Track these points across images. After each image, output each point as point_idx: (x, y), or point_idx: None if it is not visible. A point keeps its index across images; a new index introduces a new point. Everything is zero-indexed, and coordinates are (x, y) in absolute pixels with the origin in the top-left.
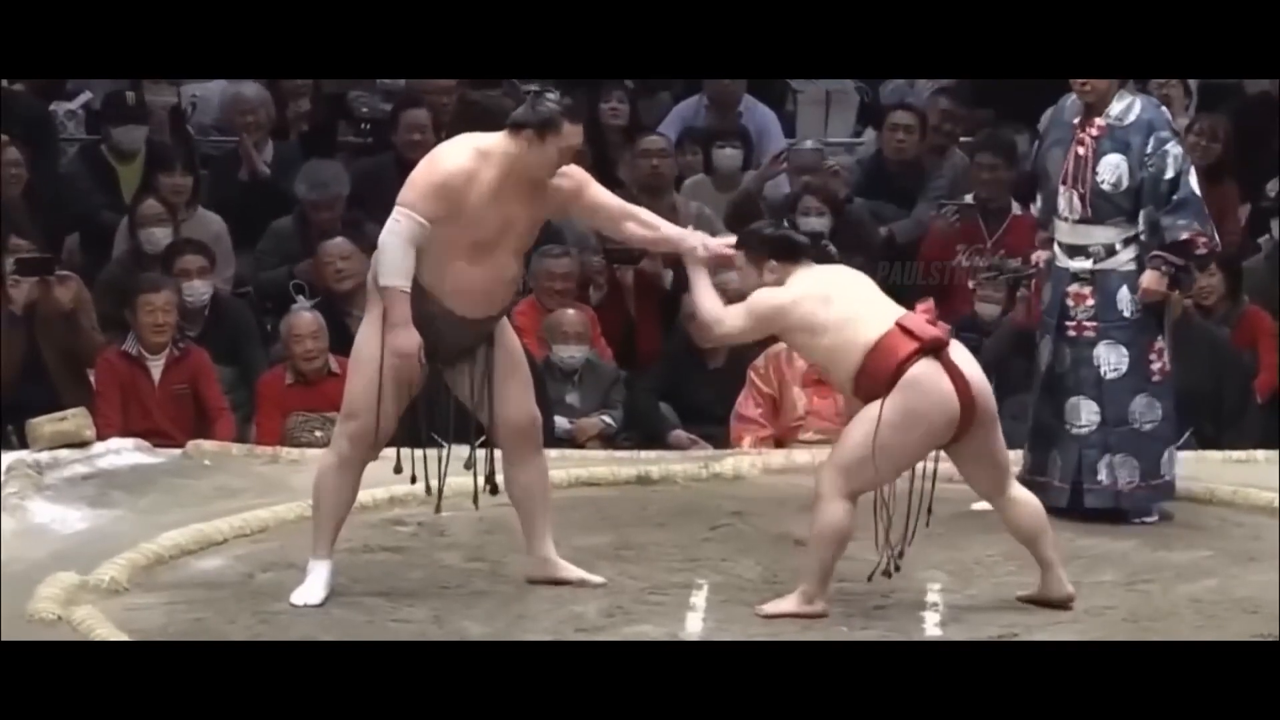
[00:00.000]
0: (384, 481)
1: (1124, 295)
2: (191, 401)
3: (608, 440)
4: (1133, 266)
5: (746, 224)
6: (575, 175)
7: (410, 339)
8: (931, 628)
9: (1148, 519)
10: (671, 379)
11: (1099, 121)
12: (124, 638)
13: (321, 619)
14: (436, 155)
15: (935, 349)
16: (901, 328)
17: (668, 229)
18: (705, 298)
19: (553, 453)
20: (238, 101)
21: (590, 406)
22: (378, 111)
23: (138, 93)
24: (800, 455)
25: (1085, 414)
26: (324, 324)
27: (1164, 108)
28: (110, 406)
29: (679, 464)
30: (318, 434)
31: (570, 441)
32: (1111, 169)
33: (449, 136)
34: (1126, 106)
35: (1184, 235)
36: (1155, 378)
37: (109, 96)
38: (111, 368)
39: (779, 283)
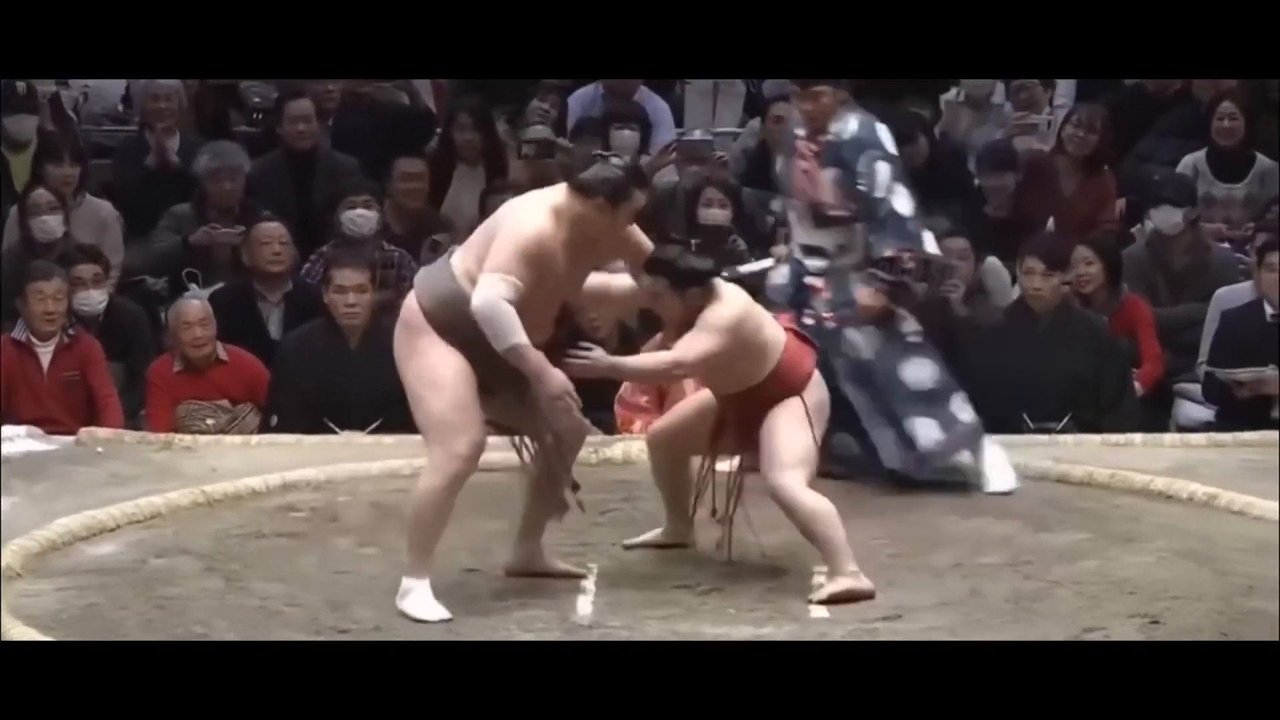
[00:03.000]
0: (277, 468)
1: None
2: (82, 389)
3: (500, 426)
4: (863, 258)
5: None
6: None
7: (563, 377)
8: (818, 609)
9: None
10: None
11: (820, 138)
12: (18, 624)
13: (215, 605)
14: (518, 220)
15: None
16: (795, 334)
17: None
18: (640, 363)
19: None
20: (151, 88)
21: None
22: (268, 101)
23: (28, 82)
24: None
25: (856, 399)
26: (211, 312)
27: (880, 125)
28: None
29: None
30: (209, 422)
31: None
32: (831, 183)
33: (336, 128)
34: (843, 124)
35: (889, 252)
36: (910, 338)
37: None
38: None
39: (701, 304)
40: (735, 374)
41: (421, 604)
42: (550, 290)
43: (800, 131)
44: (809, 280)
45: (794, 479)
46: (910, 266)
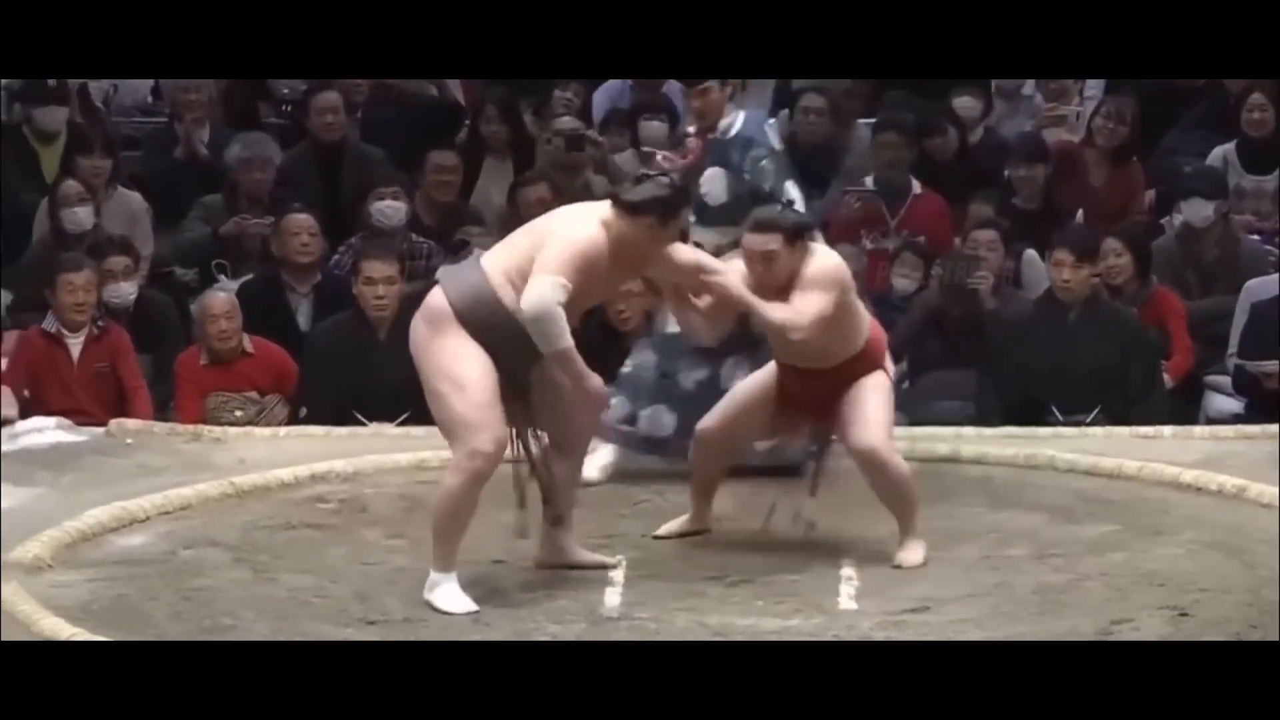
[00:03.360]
0: (305, 459)
1: None
2: (112, 380)
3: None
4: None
5: None
6: None
7: (601, 383)
8: (846, 601)
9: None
10: (590, 357)
11: (709, 135)
12: (49, 615)
13: (243, 595)
14: (571, 228)
15: None
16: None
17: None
18: (771, 308)
19: None
20: (180, 80)
21: None
22: (297, 93)
23: None
24: None
25: None
26: (237, 305)
27: (769, 121)
28: (13, 386)
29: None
30: (238, 414)
31: None
32: (710, 181)
33: (364, 121)
34: (730, 122)
35: None
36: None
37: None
38: (29, 347)
39: (799, 263)
40: (836, 341)
41: (449, 597)
42: (586, 299)
43: (691, 129)
44: None
45: (888, 443)
46: None
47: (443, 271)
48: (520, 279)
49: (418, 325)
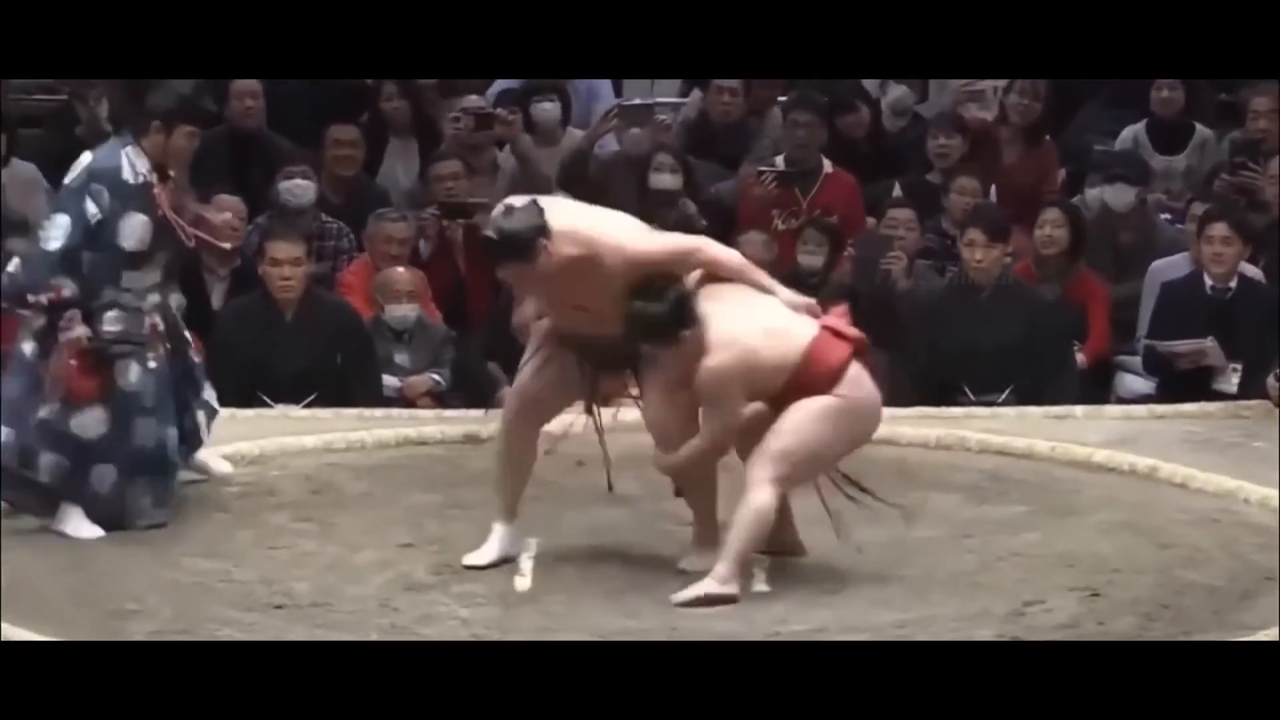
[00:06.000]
0: (213, 442)
1: None
2: None
3: (437, 399)
4: None
5: (580, 184)
6: None
7: None
8: (759, 584)
9: None
10: (500, 338)
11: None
12: None
13: (148, 579)
14: None
15: None
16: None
17: None
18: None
19: (379, 412)
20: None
21: (420, 365)
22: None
23: None
24: (626, 414)
25: None
26: None
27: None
28: None
29: None
30: None
31: (400, 400)
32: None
33: (270, 99)
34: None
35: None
36: None
37: None
38: None
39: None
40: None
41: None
42: None
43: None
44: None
45: (766, 471)
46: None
47: None
48: None
49: None
